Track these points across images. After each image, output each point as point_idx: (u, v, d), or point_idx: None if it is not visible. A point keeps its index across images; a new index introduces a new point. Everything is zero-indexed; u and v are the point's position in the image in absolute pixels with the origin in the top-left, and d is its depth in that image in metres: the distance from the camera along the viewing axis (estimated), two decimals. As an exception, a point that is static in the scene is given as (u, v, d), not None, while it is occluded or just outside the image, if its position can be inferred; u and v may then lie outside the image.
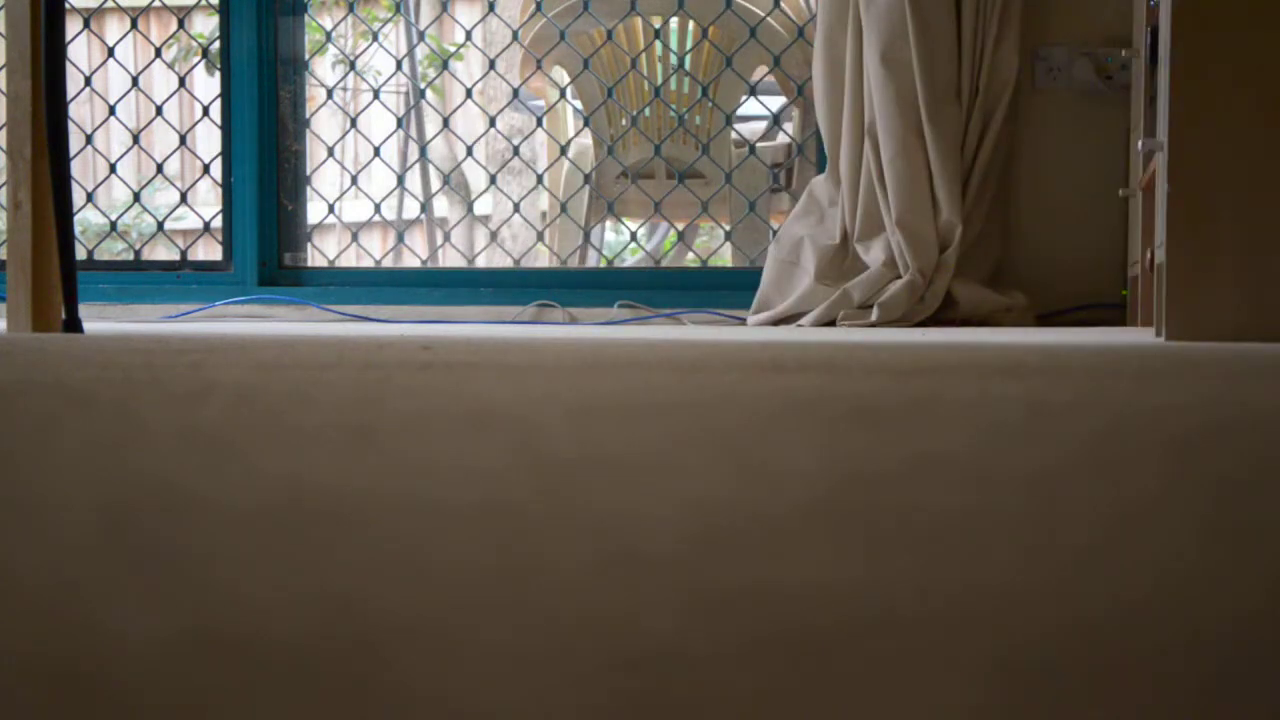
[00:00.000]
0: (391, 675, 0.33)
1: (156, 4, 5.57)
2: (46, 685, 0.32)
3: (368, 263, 5.17)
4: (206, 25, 5.87)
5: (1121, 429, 0.92)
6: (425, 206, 6.10)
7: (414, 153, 6.16)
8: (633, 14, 4.79)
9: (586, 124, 4.90)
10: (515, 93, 5.08)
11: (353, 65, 5.65)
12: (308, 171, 4.86)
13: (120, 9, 5.25)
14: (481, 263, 6.23)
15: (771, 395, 1.20)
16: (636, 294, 4.50)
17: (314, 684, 0.32)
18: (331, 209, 5.01)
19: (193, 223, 5.37)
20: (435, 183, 6.22)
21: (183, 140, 4.99)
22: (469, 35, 5.20)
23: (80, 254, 4.42)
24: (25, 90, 2.86)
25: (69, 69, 3.09)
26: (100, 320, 4.37)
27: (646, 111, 4.82)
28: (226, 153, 4.76)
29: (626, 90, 4.85)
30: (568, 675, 0.33)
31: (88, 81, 5.08)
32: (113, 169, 5.05)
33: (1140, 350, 2.17)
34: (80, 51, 5.74)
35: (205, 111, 4.85)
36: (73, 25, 4.89)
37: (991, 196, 4.03)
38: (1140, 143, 2.95)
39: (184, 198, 5.02)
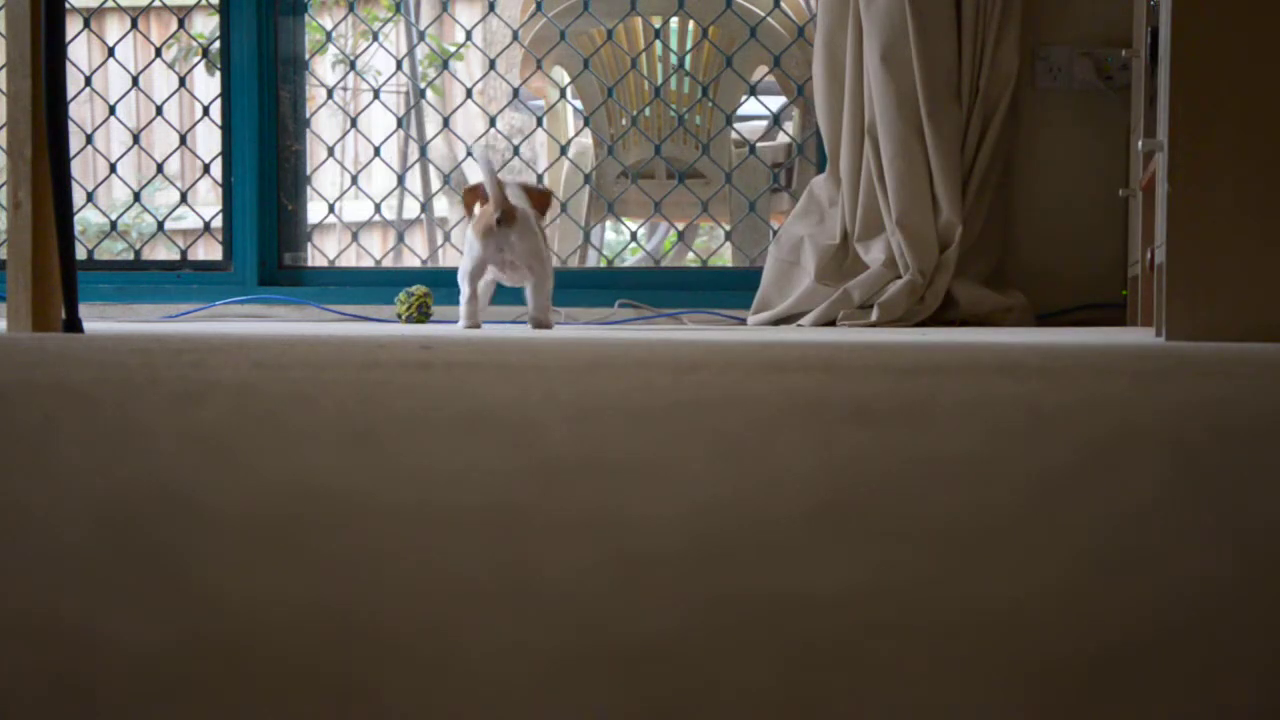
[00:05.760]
0: (392, 678, 0.33)
1: (156, 4, 5.57)
2: (41, 690, 0.32)
3: (368, 263, 5.17)
4: (206, 25, 5.87)
5: (1121, 429, 0.92)
6: (425, 206, 6.11)
7: (414, 153, 6.16)
8: (633, 14, 4.79)
9: (586, 124, 4.90)
10: (515, 93, 5.08)
11: (353, 65, 5.65)
12: (308, 171, 4.86)
13: (120, 9, 5.25)
14: (481, 263, 6.22)
15: (772, 395, 1.20)
16: (636, 294, 4.49)
17: (314, 689, 0.32)
18: (331, 209, 5.01)
19: (193, 223, 5.37)
20: (435, 183, 6.22)
21: (183, 140, 4.99)
22: (469, 35, 5.20)
23: (80, 254, 4.42)
24: (25, 90, 2.86)
25: (69, 69, 3.09)
26: (100, 320, 4.37)
27: (646, 111, 4.82)
28: (226, 153, 4.76)
29: (626, 90, 4.85)
30: (568, 677, 0.33)
31: (88, 81, 5.08)
32: (113, 169, 5.05)
33: (1140, 350, 2.17)
34: (80, 51, 5.74)
35: (205, 111, 4.84)
36: (73, 25, 4.89)
37: (991, 196, 4.03)
38: (1140, 143, 2.95)
39: (184, 198, 5.02)
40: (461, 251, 3.64)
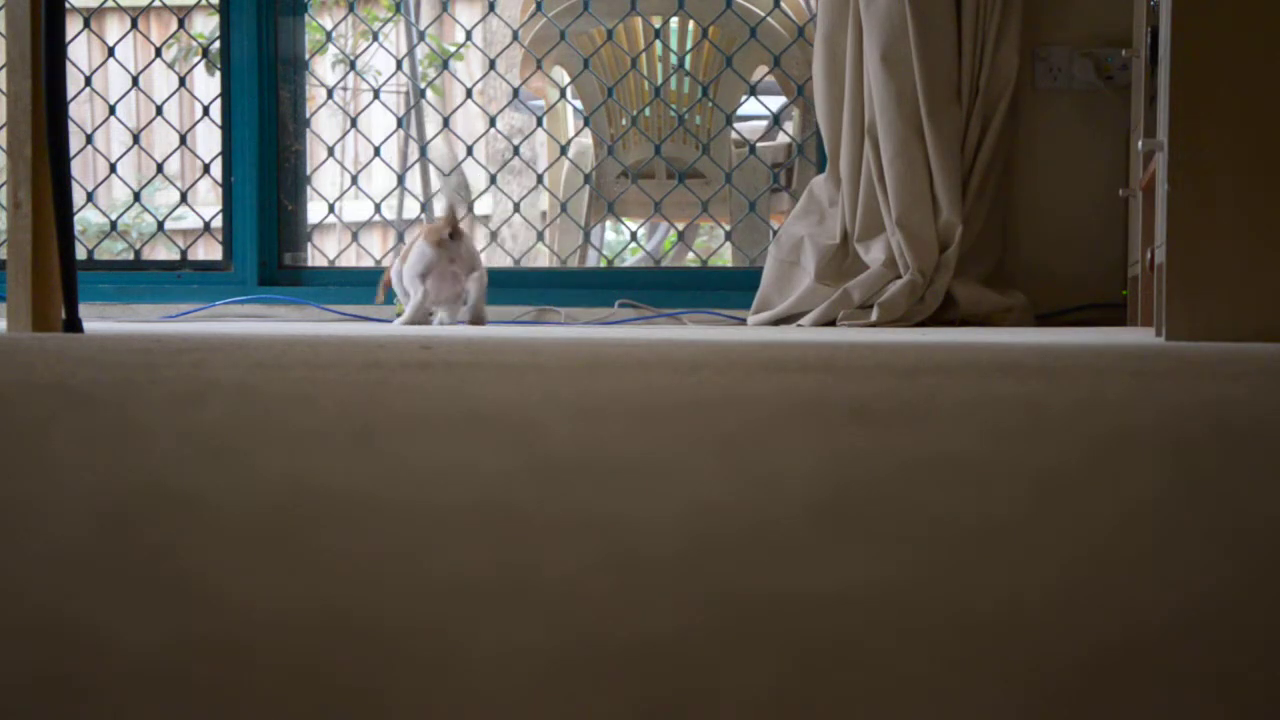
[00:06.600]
0: (392, 678, 0.33)
1: (156, 4, 5.57)
2: (41, 690, 0.32)
3: (368, 263, 5.17)
4: (206, 25, 5.87)
5: (1121, 429, 0.92)
6: (425, 206, 6.10)
7: (414, 153, 6.16)
8: (633, 14, 4.79)
9: (586, 124, 4.90)
10: (515, 93, 5.08)
11: (353, 65, 5.65)
12: (308, 171, 4.86)
13: (120, 9, 5.25)
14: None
15: (771, 395, 1.20)
16: (636, 294, 4.50)
17: (314, 689, 0.32)
18: (331, 209, 5.01)
19: (193, 223, 5.37)
20: (435, 183, 6.22)
21: (183, 140, 4.99)
22: (469, 35, 5.20)
23: (80, 254, 4.42)
24: (25, 90, 2.86)
25: (69, 69, 3.09)
26: (100, 320, 4.37)
27: (646, 111, 4.82)
28: (226, 153, 4.76)
29: (626, 90, 4.85)
30: (568, 677, 0.33)
31: (88, 81, 5.07)
32: (113, 169, 5.05)
33: (1140, 350, 2.17)
34: (80, 51, 5.74)
35: (205, 111, 4.84)
36: (73, 25, 4.89)
37: (991, 196, 4.03)
38: (1140, 143, 2.95)
39: (184, 198, 5.02)
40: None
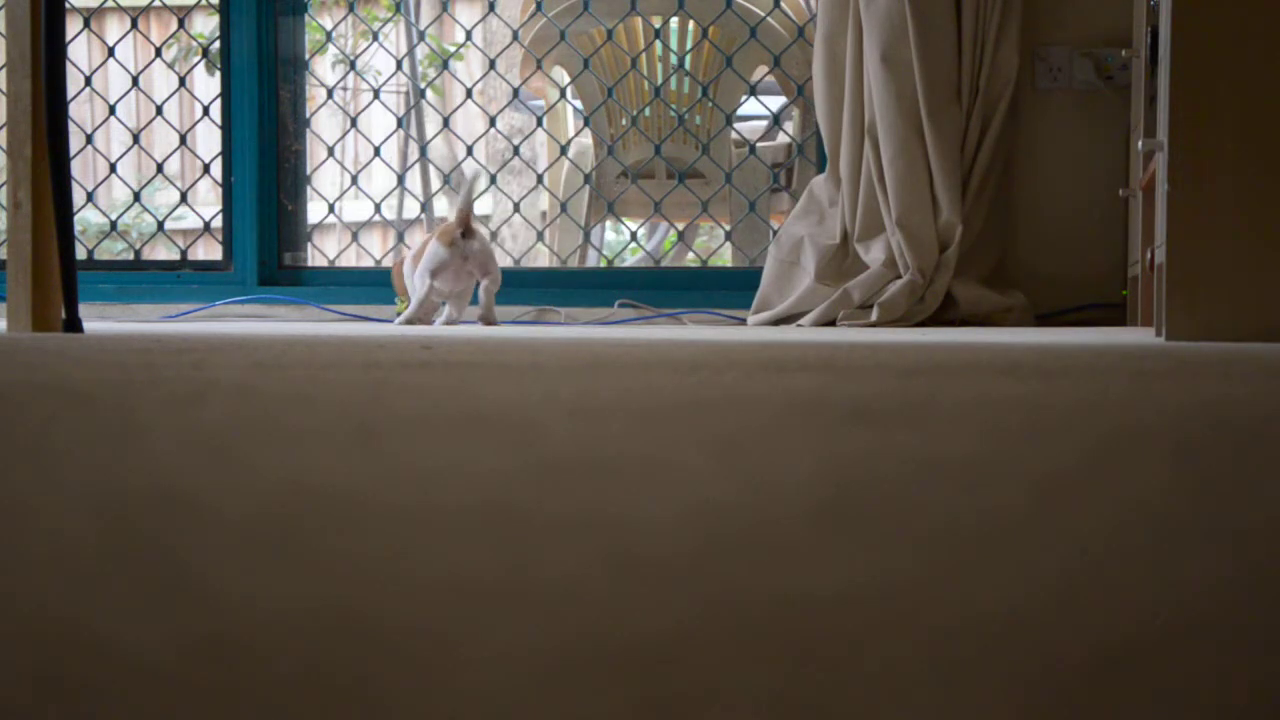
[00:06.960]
0: (391, 679, 0.33)
1: (156, 4, 5.57)
2: (40, 690, 0.32)
3: (368, 263, 5.17)
4: (206, 25, 5.87)
5: (1121, 429, 0.92)
6: (425, 206, 6.10)
7: (414, 153, 6.16)
8: (633, 14, 4.79)
9: (586, 124, 4.90)
10: (515, 93, 5.08)
11: (353, 65, 5.65)
12: (308, 171, 4.86)
13: (120, 9, 5.25)
14: (481, 263, 6.23)
15: (771, 396, 1.20)
16: (636, 294, 4.50)
17: (314, 689, 0.32)
18: (331, 209, 5.01)
19: (193, 222, 5.37)
20: (435, 183, 6.22)
21: (183, 140, 4.99)
22: (469, 35, 5.20)
23: (80, 254, 4.42)
24: (25, 90, 2.86)
25: (69, 69, 3.09)
26: (100, 320, 4.37)
27: (646, 111, 4.82)
28: (226, 153, 4.76)
29: (626, 90, 4.85)
30: (567, 679, 0.33)
31: (88, 81, 5.07)
32: (113, 169, 5.05)
33: (1140, 350, 2.16)
34: (80, 51, 5.74)
35: (205, 111, 4.84)
36: (73, 25, 4.89)
37: (991, 196, 4.03)
38: (1140, 143, 2.95)
39: (184, 197, 5.01)
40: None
